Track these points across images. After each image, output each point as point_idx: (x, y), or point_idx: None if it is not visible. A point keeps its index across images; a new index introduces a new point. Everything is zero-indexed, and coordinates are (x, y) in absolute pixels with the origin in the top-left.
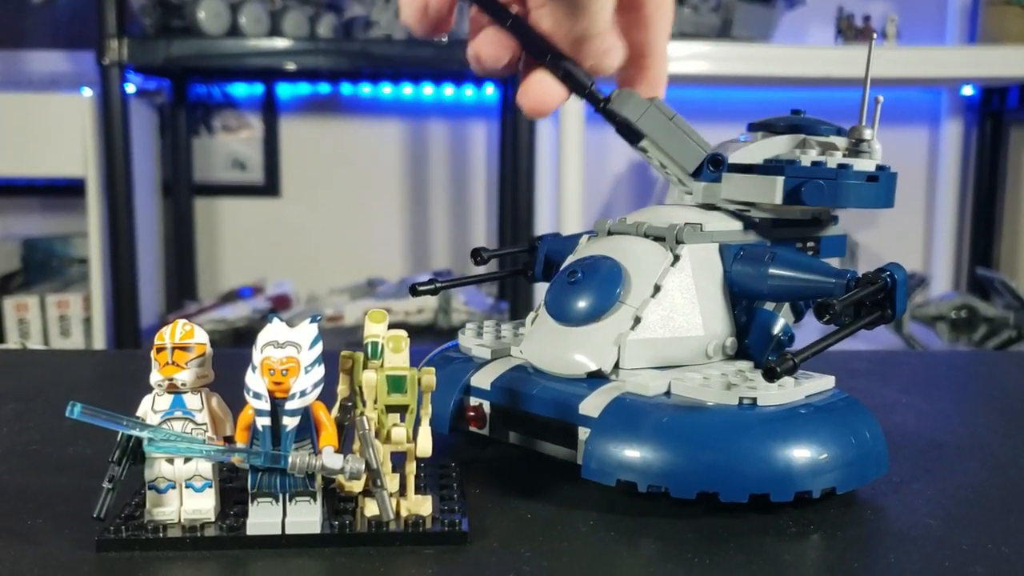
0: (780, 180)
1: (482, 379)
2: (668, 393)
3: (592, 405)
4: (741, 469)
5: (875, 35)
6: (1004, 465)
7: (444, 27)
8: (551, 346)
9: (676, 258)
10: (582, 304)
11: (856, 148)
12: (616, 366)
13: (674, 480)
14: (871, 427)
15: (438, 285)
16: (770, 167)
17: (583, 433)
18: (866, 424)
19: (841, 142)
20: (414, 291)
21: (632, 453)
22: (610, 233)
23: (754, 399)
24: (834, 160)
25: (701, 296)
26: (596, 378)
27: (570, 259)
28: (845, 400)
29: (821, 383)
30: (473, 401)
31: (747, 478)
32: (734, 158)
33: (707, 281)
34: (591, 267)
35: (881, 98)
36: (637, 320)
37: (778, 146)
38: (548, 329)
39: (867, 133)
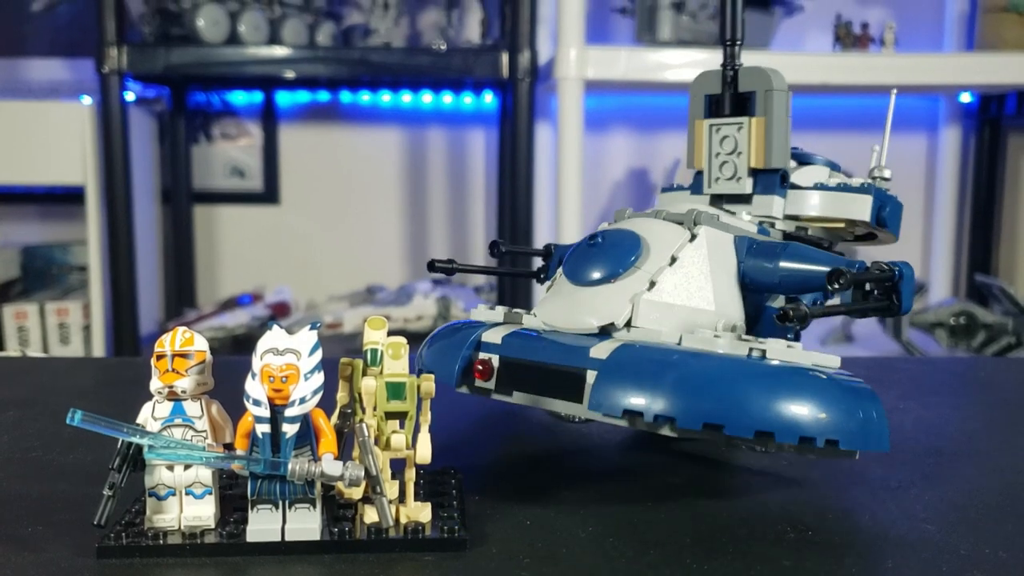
0: (869, 199)
1: (493, 335)
2: (679, 343)
3: (602, 350)
4: (747, 405)
5: (895, 93)
6: (1002, 471)
7: None
8: (566, 305)
9: (693, 236)
10: (599, 265)
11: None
12: (628, 325)
13: (681, 410)
14: (875, 405)
15: (456, 266)
16: (859, 188)
17: (591, 376)
18: (872, 402)
19: (840, 174)
20: (431, 267)
21: (640, 385)
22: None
23: (763, 351)
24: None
25: (715, 275)
26: (607, 335)
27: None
28: (851, 375)
29: (828, 359)
30: (482, 356)
31: (752, 414)
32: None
33: (721, 264)
34: (612, 235)
35: (877, 147)
36: (652, 284)
37: (815, 173)
38: (565, 291)
39: (887, 173)
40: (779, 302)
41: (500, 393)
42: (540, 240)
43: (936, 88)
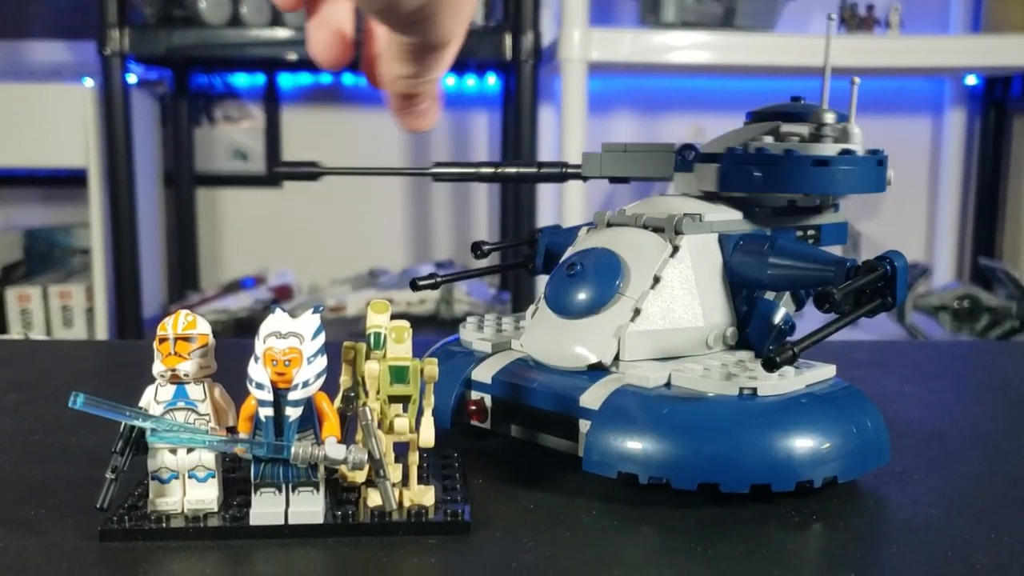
0: (716, 168)
1: (483, 373)
2: (668, 384)
3: (592, 397)
4: (742, 460)
5: (833, 18)
6: (1006, 455)
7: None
8: (551, 339)
9: (675, 249)
10: (581, 297)
11: (818, 133)
12: (616, 358)
13: (675, 472)
14: (872, 416)
15: (438, 280)
16: (715, 156)
17: (584, 425)
18: (867, 413)
19: (830, 127)
20: (415, 286)
21: (633, 445)
22: (609, 225)
23: (754, 389)
24: (780, 147)
25: (701, 286)
26: (596, 370)
27: (569, 251)
28: (846, 389)
29: (822, 372)
30: (474, 395)
31: (748, 469)
32: (706, 148)
33: (707, 271)
34: (590, 259)
35: (857, 79)
36: (637, 312)
37: (749, 134)
38: (548, 322)
39: (828, 117)
40: (770, 294)
41: (497, 430)
42: (543, 221)
43: (941, 70)
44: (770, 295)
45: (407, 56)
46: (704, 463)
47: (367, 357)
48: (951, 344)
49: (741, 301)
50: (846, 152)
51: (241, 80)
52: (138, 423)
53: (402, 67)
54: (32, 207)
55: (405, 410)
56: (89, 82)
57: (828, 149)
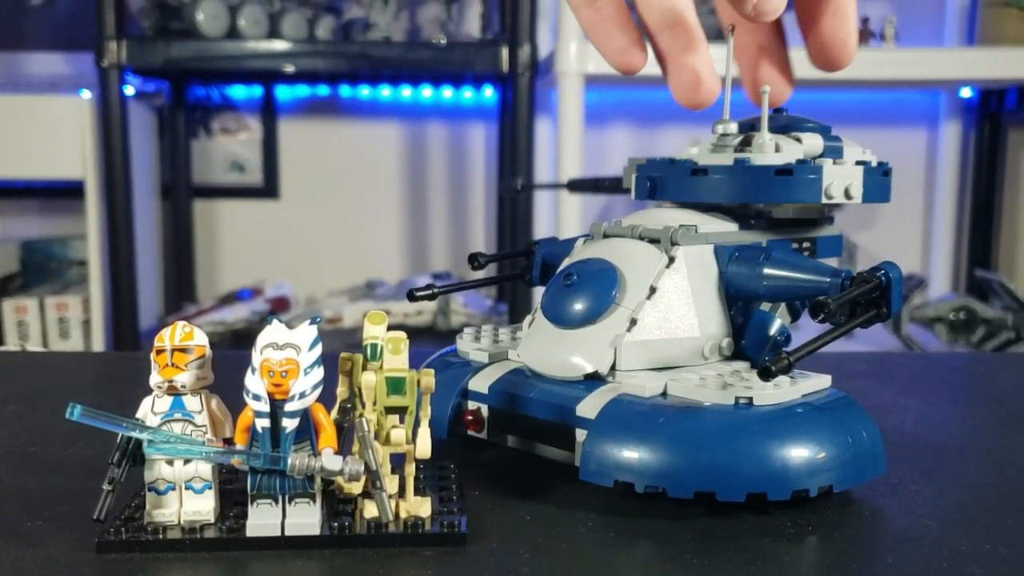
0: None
1: (479, 383)
2: (664, 394)
3: (589, 407)
4: (738, 468)
5: (730, 30)
6: (1002, 466)
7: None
8: (548, 349)
9: (671, 260)
10: (578, 307)
11: (721, 143)
12: (613, 368)
13: (671, 480)
14: (868, 427)
15: (435, 291)
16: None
17: (580, 435)
18: (863, 423)
19: (813, 139)
20: (412, 297)
21: (629, 454)
22: (606, 236)
23: (750, 399)
24: (708, 157)
25: (697, 297)
26: (593, 380)
27: (566, 262)
28: (842, 399)
29: (818, 382)
30: (471, 405)
31: (744, 477)
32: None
33: (702, 282)
34: (586, 270)
35: (767, 88)
36: (633, 322)
37: (810, 145)
38: (545, 332)
39: (731, 127)
40: (766, 305)
41: (494, 440)
42: (540, 233)
43: (936, 83)
44: (766, 306)
45: None
46: (700, 472)
47: (364, 368)
48: (947, 355)
49: (737, 312)
50: (740, 161)
51: (238, 92)
52: (135, 434)
53: None
54: (29, 219)
55: (402, 421)
56: (87, 94)
57: (766, 159)
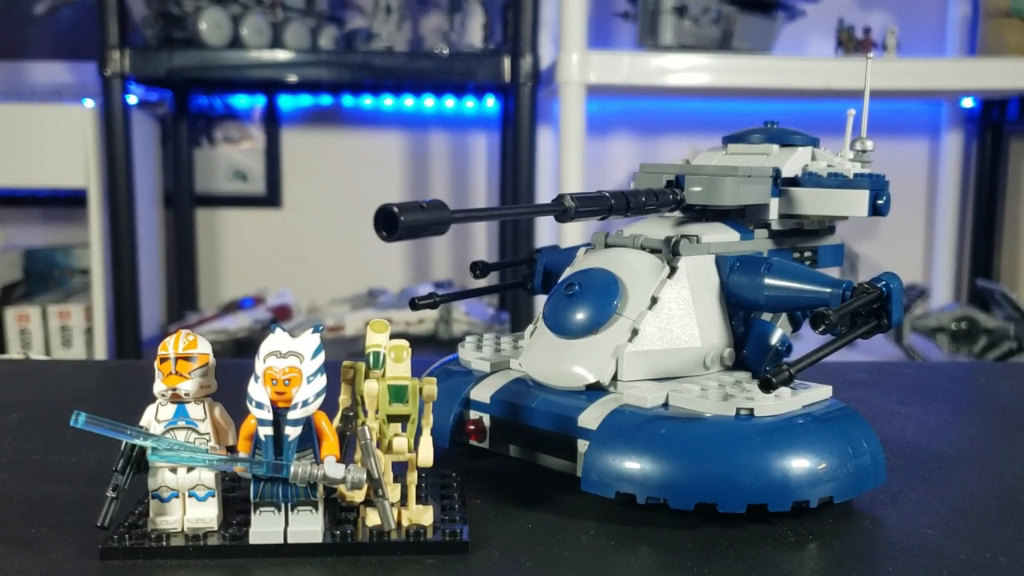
0: (866, 194)
1: (481, 393)
2: (666, 405)
3: (590, 418)
4: (739, 480)
5: (872, 52)
6: (1002, 475)
7: None
8: (550, 359)
9: (673, 270)
10: (580, 317)
11: (862, 159)
12: (614, 378)
13: (673, 492)
14: (869, 438)
15: (437, 299)
16: (854, 182)
17: (582, 446)
18: (863, 434)
19: (825, 153)
20: (414, 305)
21: (631, 465)
22: (607, 245)
23: (751, 410)
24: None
25: (698, 307)
26: (594, 390)
27: (567, 272)
28: (842, 410)
29: (818, 393)
30: (473, 415)
31: (745, 489)
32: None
33: (704, 292)
34: (588, 280)
35: (853, 111)
36: (634, 332)
37: (801, 158)
38: (546, 342)
39: (869, 144)
40: (767, 315)
41: (496, 450)
42: (542, 241)
43: (938, 93)
44: (767, 316)
45: None
46: (701, 483)
47: (366, 376)
48: (948, 365)
49: (738, 322)
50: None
51: (241, 101)
52: (139, 442)
53: None
54: (32, 227)
55: (404, 429)
56: (90, 103)
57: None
